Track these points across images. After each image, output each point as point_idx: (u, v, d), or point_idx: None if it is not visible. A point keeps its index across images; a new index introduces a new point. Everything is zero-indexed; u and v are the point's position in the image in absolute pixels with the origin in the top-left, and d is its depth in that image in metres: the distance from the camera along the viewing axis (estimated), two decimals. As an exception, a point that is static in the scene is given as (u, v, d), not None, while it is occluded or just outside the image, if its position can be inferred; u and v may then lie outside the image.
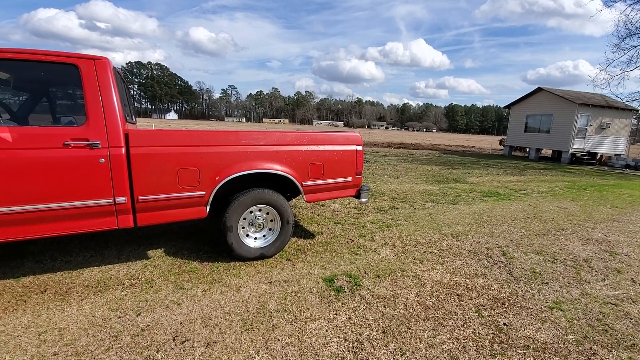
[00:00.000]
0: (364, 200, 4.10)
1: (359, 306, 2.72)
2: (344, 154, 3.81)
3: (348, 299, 2.81)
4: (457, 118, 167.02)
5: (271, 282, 3.04)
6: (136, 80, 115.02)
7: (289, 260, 3.55)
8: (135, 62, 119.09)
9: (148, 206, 2.92)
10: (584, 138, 18.36)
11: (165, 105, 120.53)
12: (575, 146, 18.22)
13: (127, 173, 2.79)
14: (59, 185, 2.57)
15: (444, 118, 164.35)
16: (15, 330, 2.21)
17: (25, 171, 2.47)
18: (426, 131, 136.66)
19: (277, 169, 3.38)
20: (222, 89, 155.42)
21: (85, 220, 2.75)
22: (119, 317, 2.41)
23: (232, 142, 3.19)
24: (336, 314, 2.59)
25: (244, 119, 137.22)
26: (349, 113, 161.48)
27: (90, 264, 3.24)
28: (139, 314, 2.46)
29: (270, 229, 3.59)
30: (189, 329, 2.31)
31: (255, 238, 3.53)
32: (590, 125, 18.35)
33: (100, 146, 2.68)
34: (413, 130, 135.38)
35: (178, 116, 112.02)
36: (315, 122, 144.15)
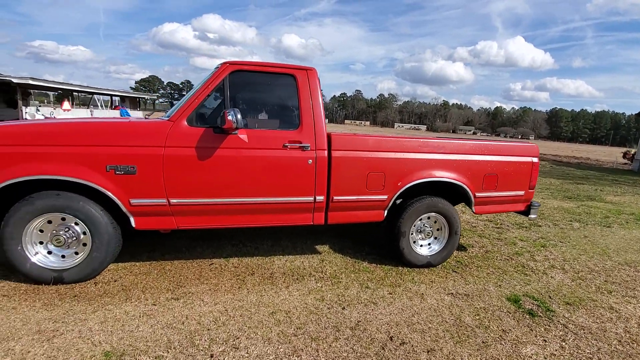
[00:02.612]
0: (532, 216, 3.80)
1: (566, 335, 2.50)
2: (520, 165, 3.58)
3: (549, 326, 2.61)
4: (561, 124, 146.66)
5: (452, 293, 2.99)
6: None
7: (455, 272, 3.46)
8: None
9: (339, 206, 3.12)
10: None
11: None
12: None
13: (327, 174, 3.01)
14: (277, 182, 2.89)
15: (545, 124, 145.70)
16: (251, 307, 2.55)
17: (255, 168, 2.83)
18: (522, 138, 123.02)
19: (454, 178, 3.32)
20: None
21: (290, 214, 3.05)
22: (329, 309, 2.60)
23: (416, 150, 3.23)
24: (545, 341, 2.42)
25: (326, 120, 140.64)
26: (433, 116, 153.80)
27: (274, 253, 3.60)
28: (344, 308, 2.63)
29: (436, 238, 3.55)
30: (399, 331, 2.38)
31: (421, 245, 3.52)
32: None
33: (309, 149, 2.94)
34: (506, 137, 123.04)
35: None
36: (396, 125, 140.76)
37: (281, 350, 2.10)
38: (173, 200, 2.71)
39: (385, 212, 3.30)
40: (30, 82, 9.25)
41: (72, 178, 2.47)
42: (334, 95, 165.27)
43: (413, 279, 3.22)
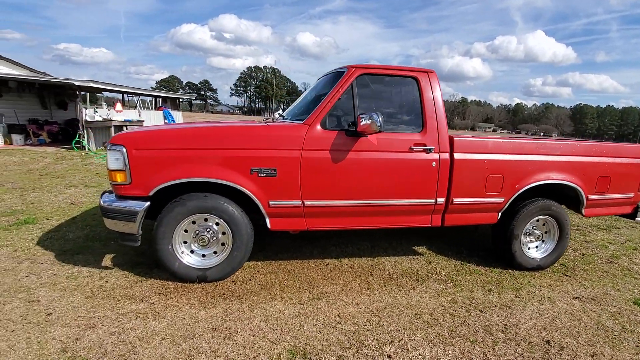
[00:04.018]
0: (640, 219, 3.71)
1: None
2: (632, 167, 3.49)
3: (696, 332, 2.54)
4: (585, 121, 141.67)
5: (577, 298, 2.95)
6: (253, 82, 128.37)
7: (566, 275, 3.40)
8: (254, 67, 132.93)
9: (457, 208, 3.12)
10: None
11: (275, 104, 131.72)
12: None
13: (448, 176, 3.02)
14: (403, 184, 2.91)
15: (568, 120, 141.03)
16: (393, 308, 2.58)
17: (383, 170, 2.86)
18: (544, 135, 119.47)
19: (570, 180, 3.27)
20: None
21: (411, 216, 3.07)
22: (467, 311, 2.61)
23: (533, 152, 3.20)
24: (701, 347, 2.36)
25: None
26: (451, 113, 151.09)
27: (377, 254, 3.63)
28: (482, 311, 2.63)
29: (543, 241, 3.50)
30: (551, 335, 2.36)
31: (529, 248, 3.48)
32: None
33: (433, 151, 2.95)
34: (527, 134, 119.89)
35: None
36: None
37: (450, 352, 2.12)
38: (307, 202, 2.77)
39: (499, 214, 3.28)
40: (91, 84, 9.62)
41: (222, 181, 2.56)
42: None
43: (530, 282, 3.19)
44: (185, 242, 2.74)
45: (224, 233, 2.77)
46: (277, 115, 3.82)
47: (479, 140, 3.11)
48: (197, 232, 2.72)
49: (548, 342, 2.30)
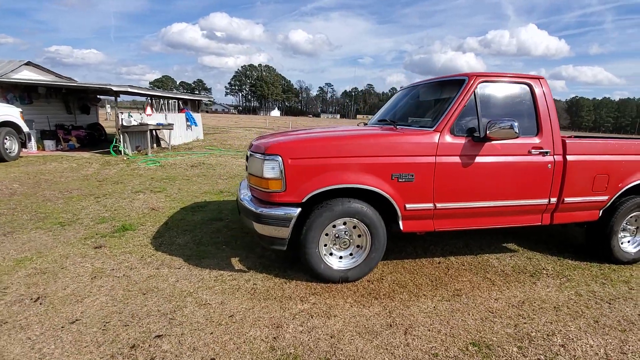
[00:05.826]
0: None
1: None
2: None
3: None
4: (582, 114, 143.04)
5: (685, 288, 3.14)
6: (248, 81, 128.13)
7: (658, 267, 3.60)
8: (248, 65, 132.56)
9: (566, 207, 3.29)
10: None
11: (270, 103, 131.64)
12: None
13: (561, 177, 3.19)
14: (522, 186, 3.08)
15: (564, 113, 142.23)
16: (532, 302, 2.75)
17: (506, 173, 3.03)
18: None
19: (668, 178, 3.45)
20: (320, 87, 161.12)
21: (525, 215, 3.24)
22: (596, 304, 2.79)
23: (636, 152, 3.38)
24: None
25: (338, 115, 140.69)
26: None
27: (475, 252, 3.80)
28: (610, 303, 2.81)
29: (634, 236, 3.69)
30: (685, 324, 2.55)
31: (622, 243, 3.67)
32: None
33: (548, 154, 3.12)
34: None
35: (280, 113, 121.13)
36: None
37: (610, 340, 2.30)
38: (439, 205, 2.93)
39: (600, 212, 3.46)
40: (129, 89, 9.69)
41: (369, 187, 2.71)
42: (345, 91, 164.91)
43: (632, 275, 3.38)
44: (325, 245, 2.89)
45: (359, 236, 2.92)
46: (369, 119, 3.96)
47: (588, 142, 3.29)
48: (337, 235, 2.87)
49: (688, 330, 2.48)
